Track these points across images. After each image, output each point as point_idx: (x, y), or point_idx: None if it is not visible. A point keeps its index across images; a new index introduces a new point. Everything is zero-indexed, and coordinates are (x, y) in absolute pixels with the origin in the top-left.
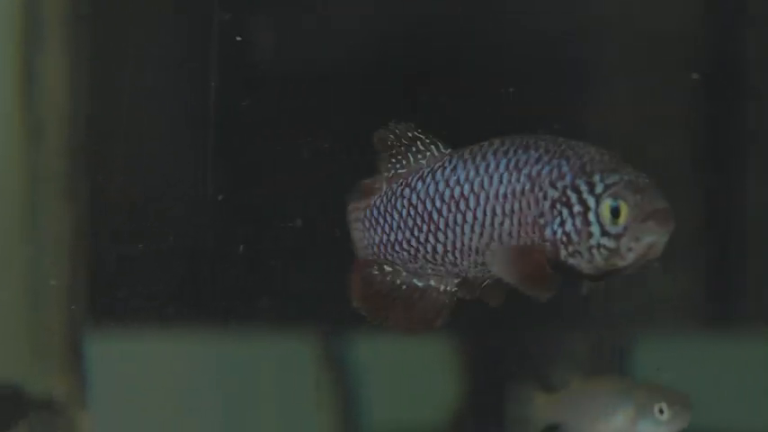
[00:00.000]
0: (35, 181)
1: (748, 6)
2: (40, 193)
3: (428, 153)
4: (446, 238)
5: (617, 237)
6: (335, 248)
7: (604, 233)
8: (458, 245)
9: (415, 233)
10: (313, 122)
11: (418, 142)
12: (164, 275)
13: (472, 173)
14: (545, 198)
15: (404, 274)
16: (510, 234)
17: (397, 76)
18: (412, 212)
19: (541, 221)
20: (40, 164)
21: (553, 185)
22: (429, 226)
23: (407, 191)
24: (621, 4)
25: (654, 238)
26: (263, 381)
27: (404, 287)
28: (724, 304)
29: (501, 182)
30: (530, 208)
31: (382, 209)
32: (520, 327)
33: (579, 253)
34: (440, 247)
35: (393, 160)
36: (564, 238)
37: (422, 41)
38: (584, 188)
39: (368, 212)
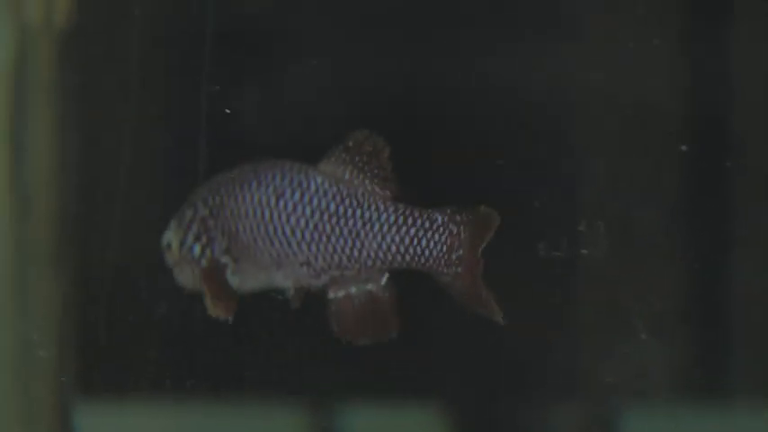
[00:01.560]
0: (23, 251)
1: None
2: (29, 263)
3: None
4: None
5: None
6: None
7: None
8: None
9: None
10: None
11: None
12: (154, 344)
13: None
14: None
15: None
16: None
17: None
18: None
19: None
20: (28, 233)
21: None
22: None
23: None
24: (609, 76)
25: None
26: None
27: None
28: (714, 375)
29: None
30: None
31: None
32: (506, 394)
33: None
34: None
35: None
36: None
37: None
38: None
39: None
